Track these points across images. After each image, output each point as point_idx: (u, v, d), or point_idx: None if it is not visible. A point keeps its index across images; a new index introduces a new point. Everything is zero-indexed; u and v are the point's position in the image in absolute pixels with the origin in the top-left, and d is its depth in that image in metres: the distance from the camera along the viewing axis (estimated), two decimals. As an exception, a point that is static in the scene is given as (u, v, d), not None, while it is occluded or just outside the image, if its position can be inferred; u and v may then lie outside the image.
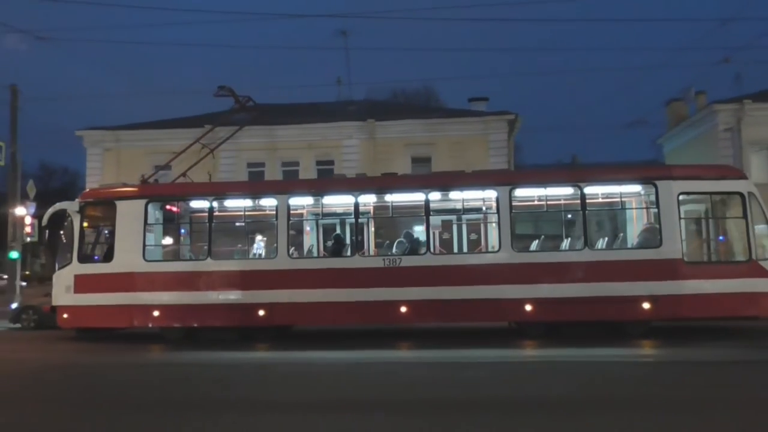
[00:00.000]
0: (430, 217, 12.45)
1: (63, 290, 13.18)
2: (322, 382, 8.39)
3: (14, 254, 20.08)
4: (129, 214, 13.01)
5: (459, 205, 12.95)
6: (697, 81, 36.50)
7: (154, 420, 6.20)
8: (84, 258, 13.23)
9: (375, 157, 24.82)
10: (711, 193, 12.12)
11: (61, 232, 13.83)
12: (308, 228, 14.06)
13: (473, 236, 14.03)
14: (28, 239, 18.51)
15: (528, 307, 11.90)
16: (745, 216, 11.77)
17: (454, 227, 14.21)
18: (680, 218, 11.86)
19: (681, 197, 11.94)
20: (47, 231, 13.63)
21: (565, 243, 12.59)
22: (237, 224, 13.77)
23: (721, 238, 12.82)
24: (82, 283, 13.01)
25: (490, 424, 5.77)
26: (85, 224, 13.38)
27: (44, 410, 6.79)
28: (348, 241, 13.23)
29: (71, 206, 13.48)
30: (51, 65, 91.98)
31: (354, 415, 6.30)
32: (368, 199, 13.01)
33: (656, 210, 11.91)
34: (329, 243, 13.61)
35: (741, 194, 11.87)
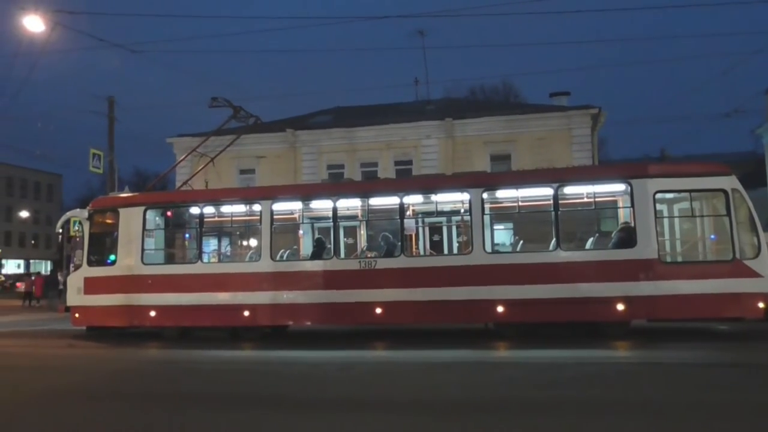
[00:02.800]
0: (405, 220, 12.65)
1: (75, 291, 14.26)
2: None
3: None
4: (130, 220, 13.92)
5: (433, 208, 13.07)
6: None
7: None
8: (92, 261, 14.25)
9: (454, 156, 25.29)
10: (691, 191, 11.69)
11: (77, 238, 14.98)
12: (292, 232, 14.53)
13: (450, 238, 14.11)
14: None
15: (500, 309, 11.87)
16: (728, 214, 11.28)
17: (426, 230, 14.29)
18: (656, 217, 11.52)
19: (657, 195, 11.58)
20: (60, 237, 14.78)
21: (539, 244, 12.47)
22: (225, 229, 14.44)
23: (713, 237, 12.27)
24: (91, 285, 14.04)
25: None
26: (94, 230, 14.39)
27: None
28: (331, 244, 13.59)
29: (81, 214, 14.59)
30: (142, 76, 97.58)
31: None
32: (348, 204, 13.34)
33: (631, 209, 11.62)
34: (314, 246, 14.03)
35: (725, 191, 11.38)
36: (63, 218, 14.94)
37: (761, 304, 11.10)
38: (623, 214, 12.26)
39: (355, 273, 12.54)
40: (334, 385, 8.09)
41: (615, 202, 12.65)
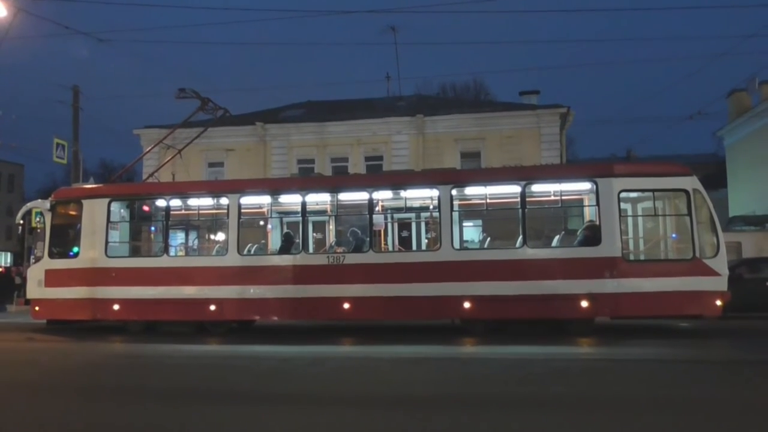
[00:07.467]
0: (374, 216, 12.64)
1: (35, 284, 13.91)
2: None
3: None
4: (94, 212, 13.63)
5: (402, 204, 13.09)
6: (762, 70, 35.07)
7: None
8: (54, 253, 13.91)
9: (424, 153, 25.36)
10: (654, 191, 11.94)
11: (38, 229, 14.62)
12: (260, 226, 14.40)
13: (419, 235, 14.17)
14: None
15: (466, 305, 11.96)
16: (689, 213, 11.55)
17: (394, 225, 14.32)
18: (620, 216, 11.74)
19: (622, 195, 11.80)
20: (21, 228, 14.41)
21: (506, 241, 12.59)
22: (192, 222, 14.26)
23: (674, 236, 12.57)
24: (52, 278, 13.71)
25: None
26: (56, 221, 14.05)
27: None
28: (299, 239, 13.51)
29: (43, 204, 14.22)
30: (110, 66, 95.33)
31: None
32: (317, 198, 13.29)
33: (597, 207, 11.81)
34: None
35: (686, 191, 11.65)
36: (24, 209, 14.56)
37: (719, 302, 11.40)
38: (589, 213, 12.46)
39: (323, 268, 12.50)
40: (304, 381, 8.05)
41: (581, 200, 12.84)
